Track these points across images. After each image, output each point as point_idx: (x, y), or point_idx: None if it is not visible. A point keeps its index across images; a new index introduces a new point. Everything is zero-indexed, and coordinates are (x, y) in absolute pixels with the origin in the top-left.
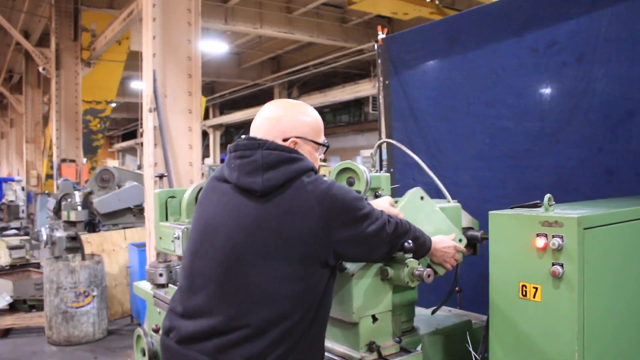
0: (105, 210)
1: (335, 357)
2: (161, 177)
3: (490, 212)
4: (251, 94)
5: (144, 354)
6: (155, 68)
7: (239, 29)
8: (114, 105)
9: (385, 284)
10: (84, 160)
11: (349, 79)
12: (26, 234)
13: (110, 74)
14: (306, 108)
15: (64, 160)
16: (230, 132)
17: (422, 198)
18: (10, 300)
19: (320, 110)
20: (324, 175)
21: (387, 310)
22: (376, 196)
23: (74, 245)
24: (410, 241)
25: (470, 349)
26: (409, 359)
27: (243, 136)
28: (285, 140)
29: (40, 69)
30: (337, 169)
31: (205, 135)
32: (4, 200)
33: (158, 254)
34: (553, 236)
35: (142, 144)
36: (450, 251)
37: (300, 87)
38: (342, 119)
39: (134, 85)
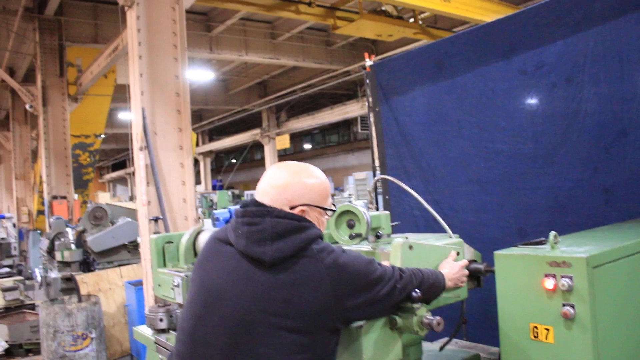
0: (99, 249)
1: None
2: (156, 220)
3: (495, 252)
4: (240, 119)
5: None
6: (144, 106)
7: (224, 57)
8: (102, 137)
9: (394, 332)
10: (75, 196)
11: (336, 100)
12: (19, 272)
13: (97, 108)
14: (312, 172)
15: (55, 197)
16: (221, 158)
17: (410, 247)
18: (6, 346)
19: (309, 131)
20: (335, 243)
21: (398, 359)
22: (377, 237)
23: (70, 286)
24: (417, 290)
25: None
26: None
27: (249, 197)
28: (292, 207)
29: (27, 106)
30: (337, 212)
31: (195, 162)
32: None
33: (157, 298)
34: (562, 277)
35: (132, 173)
36: (460, 273)
37: (288, 111)
38: (331, 139)
39: (122, 116)
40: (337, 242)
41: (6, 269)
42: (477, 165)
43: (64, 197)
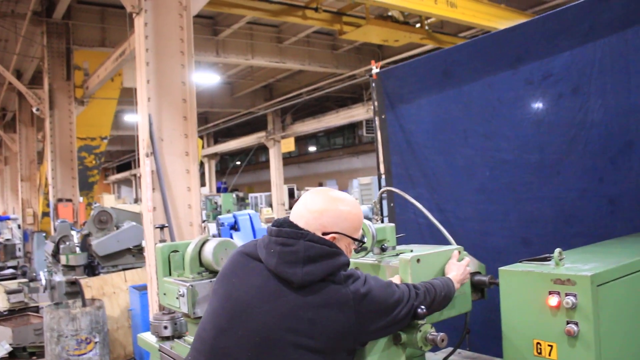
0: (104, 253)
1: None
2: (162, 227)
3: (500, 268)
4: (245, 122)
5: None
6: (151, 112)
7: (230, 61)
8: (108, 139)
9: (398, 348)
10: (80, 198)
11: (342, 103)
12: (23, 273)
13: (103, 111)
14: (349, 202)
15: (60, 200)
16: (225, 160)
17: (418, 261)
18: (10, 349)
19: (314, 134)
20: (357, 268)
21: None
22: (382, 249)
23: (74, 290)
24: (423, 307)
25: None
26: None
27: (282, 218)
28: (325, 233)
29: (34, 109)
30: None
31: (200, 164)
32: (0, 239)
33: (162, 306)
34: (566, 294)
35: (137, 175)
36: (465, 272)
37: (294, 114)
38: (336, 142)
39: (127, 118)
40: None
41: (11, 270)
42: (482, 174)
43: (69, 200)
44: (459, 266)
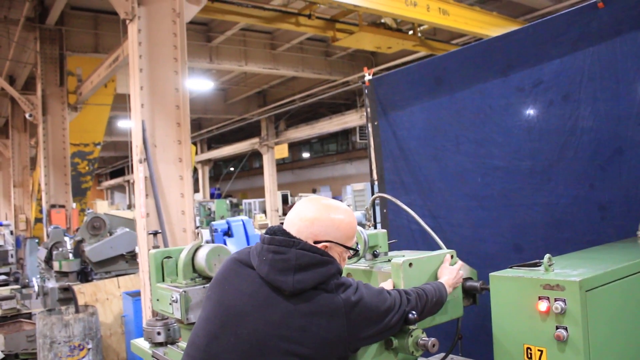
0: (97, 259)
1: None
2: (155, 234)
3: (490, 274)
4: (238, 128)
5: None
6: (144, 118)
7: (224, 67)
8: (101, 145)
9: (390, 353)
10: (74, 204)
11: (335, 110)
12: (16, 279)
13: (97, 117)
14: (341, 210)
15: (53, 206)
16: (219, 166)
17: (410, 265)
18: (2, 356)
19: (308, 140)
20: (349, 273)
21: None
22: (374, 255)
23: (67, 296)
24: (414, 312)
25: None
26: None
27: (276, 226)
28: (317, 242)
29: (27, 115)
30: None
31: (194, 170)
32: None
33: (155, 312)
34: (555, 300)
35: (130, 181)
36: (457, 276)
37: (287, 120)
38: (330, 148)
39: (121, 124)
40: None
41: (3, 277)
42: (474, 181)
43: (62, 206)
44: (451, 270)
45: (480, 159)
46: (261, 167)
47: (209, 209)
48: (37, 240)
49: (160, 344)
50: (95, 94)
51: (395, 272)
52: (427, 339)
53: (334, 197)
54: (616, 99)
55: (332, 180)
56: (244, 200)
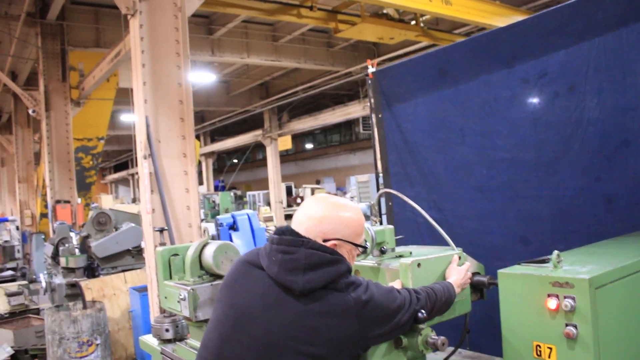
0: (103, 254)
1: None
2: (161, 231)
3: (499, 270)
4: (241, 120)
5: None
6: (148, 114)
7: (226, 60)
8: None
9: (399, 351)
10: (79, 199)
11: (338, 100)
12: (23, 275)
13: (100, 112)
14: (349, 208)
15: (58, 202)
16: (223, 158)
17: (419, 265)
18: (12, 352)
19: (311, 131)
20: (357, 270)
21: None
22: (382, 252)
23: (74, 292)
24: (423, 311)
25: None
26: None
27: (284, 226)
28: (325, 240)
29: (30, 111)
30: None
31: (197, 164)
32: None
33: (162, 308)
34: (565, 297)
35: (134, 175)
36: (465, 277)
37: (290, 111)
38: (333, 139)
39: (124, 118)
40: None
41: (10, 272)
42: (479, 173)
43: (68, 202)
44: (459, 270)
45: (485, 151)
46: (265, 159)
47: (214, 201)
48: (43, 236)
49: (169, 341)
50: (98, 88)
51: (403, 272)
52: (436, 337)
53: (337, 188)
54: (622, 90)
55: (336, 171)
56: (248, 193)
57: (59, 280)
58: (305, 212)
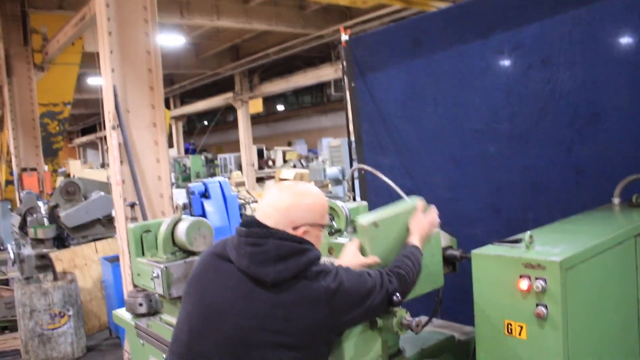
0: (73, 224)
1: None
2: (132, 205)
3: (472, 251)
4: (212, 83)
5: None
6: (115, 83)
7: (195, 22)
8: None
9: (374, 332)
10: (45, 167)
11: (310, 62)
12: None
13: (65, 76)
14: (312, 192)
15: (24, 170)
16: (193, 120)
17: (376, 225)
18: None
19: (283, 94)
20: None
21: (378, 357)
22: (355, 230)
23: (44, 263)
24: (398, 295)
25: None
26: None
27: (249, 217)
28: (295, 228)
29: None
30: None
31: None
32: None
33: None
34: (536, 278)
35: (102, 138)
36: (430, 226)
37: (261, 74)
38: (304, 101)
39: (91, 81)
40: None
41: None
42: (453, 143)
43: (34, 169)
44: (421, 225)
45: (458, 122)
46: (235, 120)
47: (184, 165)
48: (9, 205)
49: (143, 315)
50: (63, 52)
51: (361, 235)
52: (411, 319)
53: (309, 150)
54: (594, 64)
55: (308, 133)
56: (220, 155)
57: (27, 251)
58: (271, 204)
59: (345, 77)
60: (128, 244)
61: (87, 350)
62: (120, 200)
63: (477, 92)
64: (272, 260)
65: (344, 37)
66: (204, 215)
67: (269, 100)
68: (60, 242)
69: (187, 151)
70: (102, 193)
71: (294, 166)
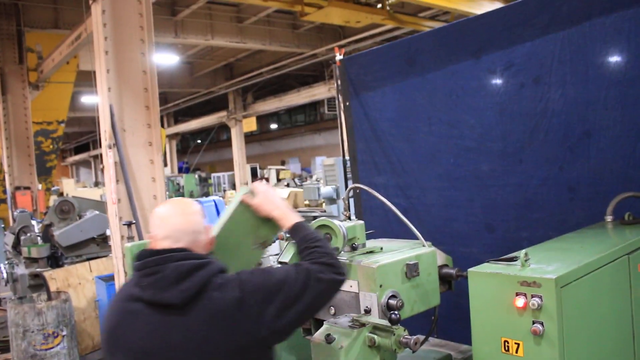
0: (67, 243)
1: None
2: (129, 225)
3: (469, 269)
4: (206, 101)
5: None
6: (112, 102)
7: (189, 42)
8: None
9: (373, 350)
10: (39, 185)
11: (303, 81)
12: None
13: (60, 94)
14: (189, 203)
15: (18, 188)
16: (187, 139)
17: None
18: None
19: (276, 112)
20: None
21: None
22: (353, 248)
23: (38, 283)
24: (397, 313)
25: None
26: None
27: (142, 250)
28: (196, 242)
29: None
30: (315, 226)
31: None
32: None
33: None
34: (532, 296)
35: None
36: (271, 199)
37: (255, 92)
38: (298, 119)
39: (85, 99)
40: None
41: None
42: (447, 162)
43: (28, 188)
44: (271, 204)
45: (452, 140)
46: (229, 139)
47: (178, 184)
48: (2, 224)
49: None
50: (58, 71)
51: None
52: (409, 337)
53: (303, 169)
54: (585, 83)
55: (301, 152)
56: (213, 174)
57: (21, 270)
58: (167, 227)
59: (339, 96)
60: (124, 262)
61: None
62: (116, 219)
63: (470, 111)
64: (174, 282)
65: (339, 56)
66: None
67: (263, 119)
68: (54, 261)
69: (180, 170)
70: (97, 212)
71: (288, 185)
